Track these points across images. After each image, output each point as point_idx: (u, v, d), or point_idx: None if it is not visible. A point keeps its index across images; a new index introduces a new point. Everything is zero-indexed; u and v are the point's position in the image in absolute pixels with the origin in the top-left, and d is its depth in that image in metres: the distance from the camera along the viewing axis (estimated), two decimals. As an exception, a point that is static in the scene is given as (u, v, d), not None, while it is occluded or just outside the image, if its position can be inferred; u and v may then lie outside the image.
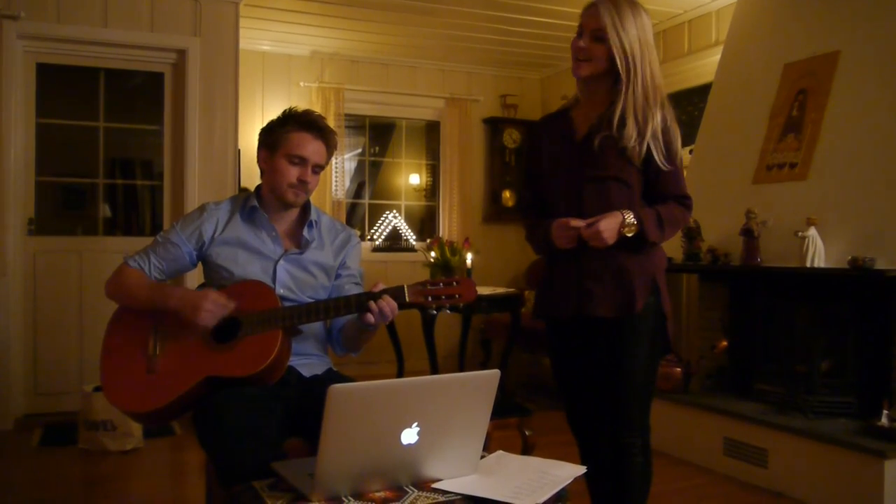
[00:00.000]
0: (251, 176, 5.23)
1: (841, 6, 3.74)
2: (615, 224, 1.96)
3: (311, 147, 2.01)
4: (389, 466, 1.45)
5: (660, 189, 2.06)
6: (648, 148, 1.99)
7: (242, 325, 1.87)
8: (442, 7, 4.86)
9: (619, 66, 1.97)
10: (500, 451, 1.71)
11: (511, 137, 6.48)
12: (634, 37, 1.97)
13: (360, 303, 1.85)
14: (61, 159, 4.62)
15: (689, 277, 4.47)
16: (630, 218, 1.97)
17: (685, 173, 2.67)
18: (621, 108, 1.99)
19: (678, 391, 3.90)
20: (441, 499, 1.44)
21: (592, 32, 1.99)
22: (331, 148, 2.07)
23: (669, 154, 2.03)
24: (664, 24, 5.11)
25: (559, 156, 2.12)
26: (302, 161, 2.00)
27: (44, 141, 4.44)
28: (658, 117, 2.00)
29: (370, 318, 1.84)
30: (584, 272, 2.05)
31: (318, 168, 2.05)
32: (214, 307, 1.86)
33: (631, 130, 1.97)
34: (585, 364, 2.15)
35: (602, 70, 2.02)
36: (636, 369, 2.06)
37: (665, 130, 2.01)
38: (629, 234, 1.97)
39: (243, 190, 4.91)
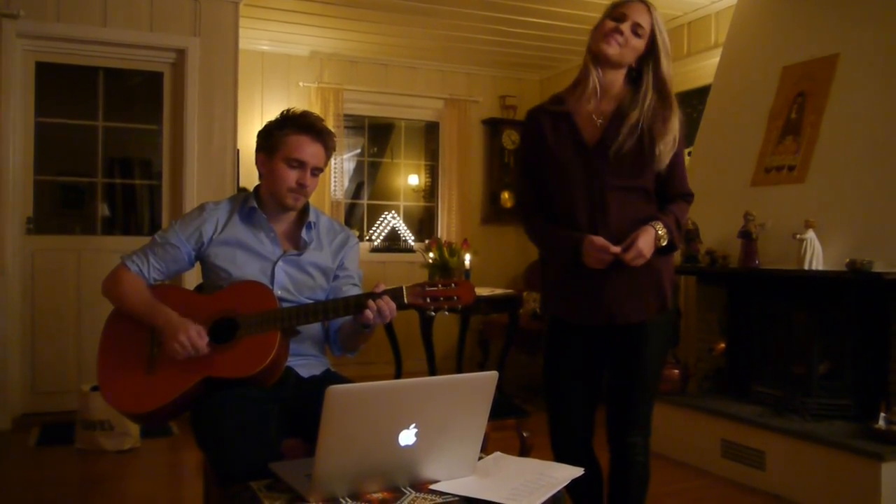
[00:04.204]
0: (250, 176, 5.22)
1: (840, 9, 3.75)
2: (651, 240, 1.97)
3: (310, 150, 2.00)
4: (387, 467, 1.45)
5: (671, 188, 2.07)
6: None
7: (240, 326, 1.86)
8: (441, 8, 4.86)
9: (664, 70, 2.00)
10: (498, 453, 1.71)
11: (510, 139, 6.48)
12: (666, 39, 2.03)
13: (359, 304, 1.84)
14: (60, 158, 4.62)
15: (688, 279, 4.47)
16: (661, 229, 1.98)
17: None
18: (648, 115, 2.00)
19: (676, 393, 3.91)
20: (439, 500, 1.44)
21: (634, 25, 1.99)
22: (329, 150, 2.05)
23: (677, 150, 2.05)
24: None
25: (571, 161, 2.04)
26: (301, 164, 1.99)
27: (43, 140, 4.44)
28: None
29: (369, 315, 1.81)
30: (614, 282, 2.02)
31: (317, 171, 2.03)
32: (188, 343, 1.82)
33: (668, 140, 1.99)
34: (590, 368, 2.14)
35: (624, 62, 2.01)
36: (653, 369, 2.10)
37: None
38: (664, 244, 2.00)
39: (242, 190, 4.91)
